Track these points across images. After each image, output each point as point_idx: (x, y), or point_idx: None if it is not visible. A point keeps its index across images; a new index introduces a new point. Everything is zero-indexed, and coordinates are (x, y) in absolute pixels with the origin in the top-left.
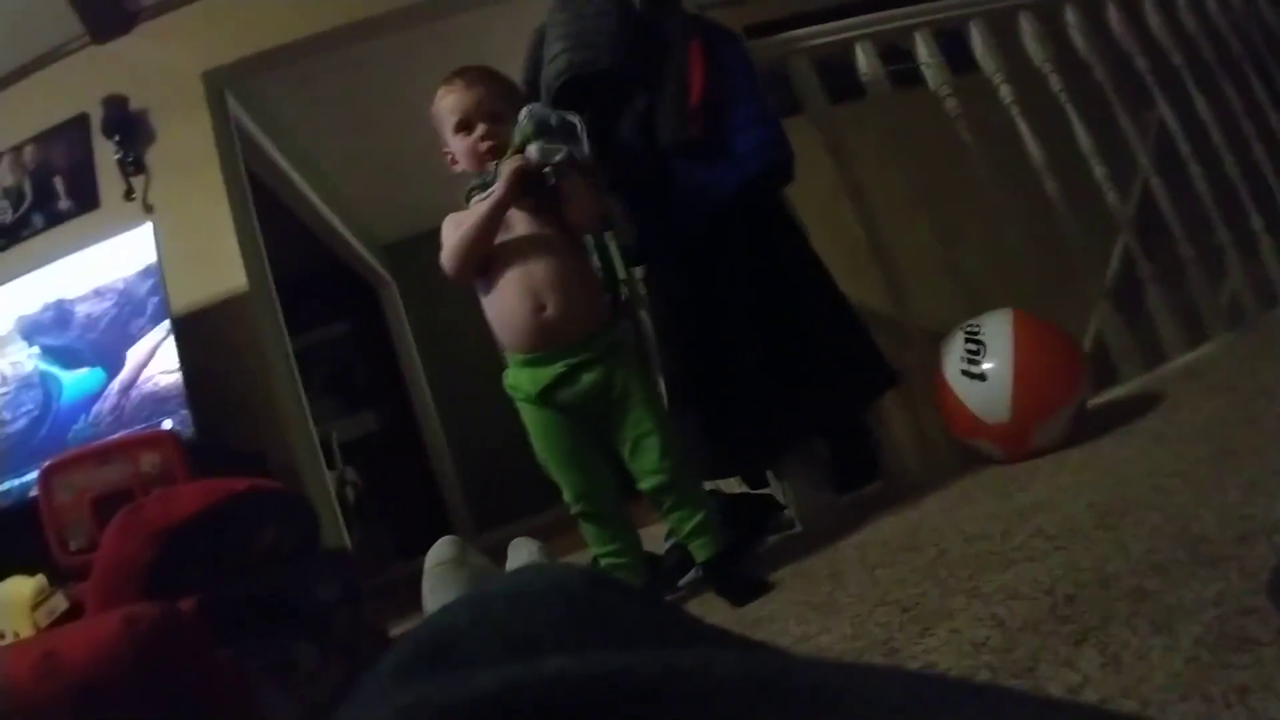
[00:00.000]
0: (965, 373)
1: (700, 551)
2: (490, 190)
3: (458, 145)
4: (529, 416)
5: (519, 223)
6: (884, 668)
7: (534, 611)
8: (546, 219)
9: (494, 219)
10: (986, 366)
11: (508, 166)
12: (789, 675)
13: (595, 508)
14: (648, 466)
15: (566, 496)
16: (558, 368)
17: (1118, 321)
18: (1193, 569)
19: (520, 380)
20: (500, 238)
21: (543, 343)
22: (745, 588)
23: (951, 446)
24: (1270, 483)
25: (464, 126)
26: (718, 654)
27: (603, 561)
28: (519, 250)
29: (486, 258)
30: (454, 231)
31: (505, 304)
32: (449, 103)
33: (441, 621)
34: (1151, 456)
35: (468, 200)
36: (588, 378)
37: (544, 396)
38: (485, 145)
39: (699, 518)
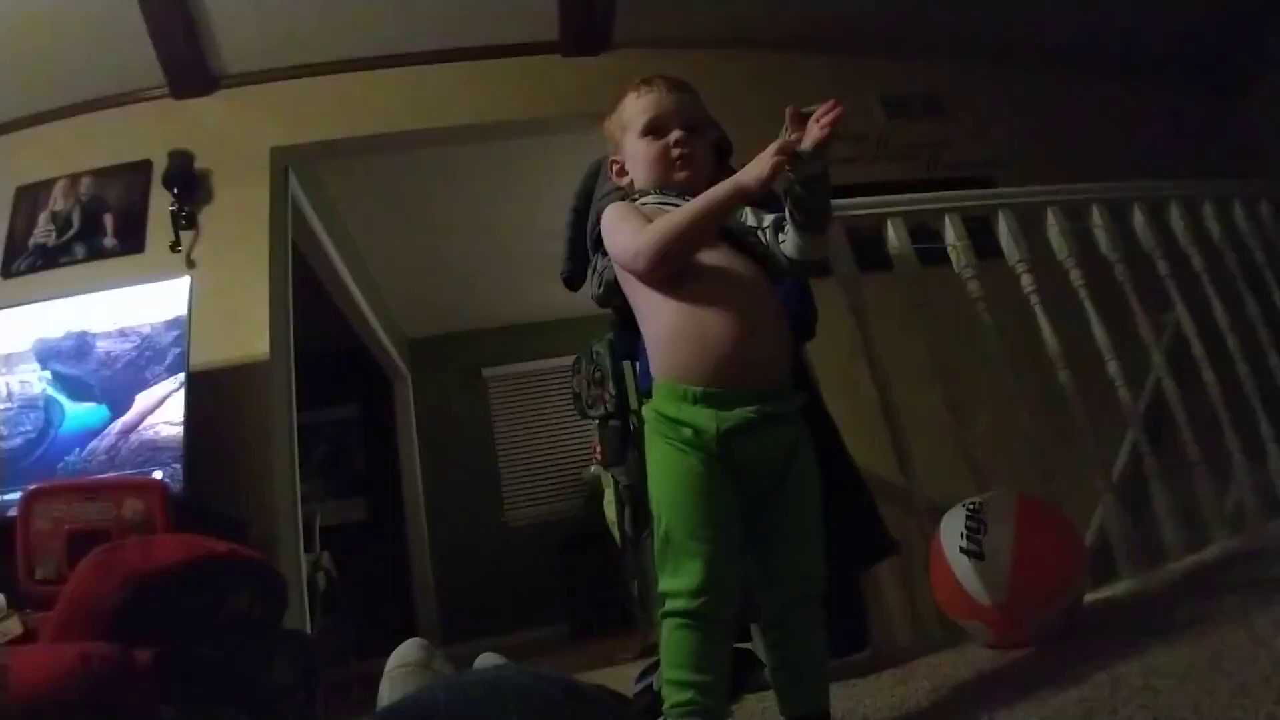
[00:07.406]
0: (964, 550)
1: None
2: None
3: (640, 150)
4: (677, 467)
5: (722, 253)
6: None
7: (509, 703)
8: (748, 259)
9: (732, 205)
10: (986, 546)
11: (771, 154)
12: None
13: (715, 611)
14: (803, 569)
15: (680, 583)
16: (748, 411)
17: (1122, 516)
18: None
19: (695, 417)
20: (704, 256)
21: (742, 375)
22: None
23: (943, 622)
24: (1259, 688)
25: (655, 129)
26: None
27: (681, 698)
28: (728, 268)
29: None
30: (632, 219)
31: (705, 319)
32: (644, 102)
33: (420, 698)
34: (1146, 655)
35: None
36: (779, 434)
37: (722, 441)
38: (679, 152)
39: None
